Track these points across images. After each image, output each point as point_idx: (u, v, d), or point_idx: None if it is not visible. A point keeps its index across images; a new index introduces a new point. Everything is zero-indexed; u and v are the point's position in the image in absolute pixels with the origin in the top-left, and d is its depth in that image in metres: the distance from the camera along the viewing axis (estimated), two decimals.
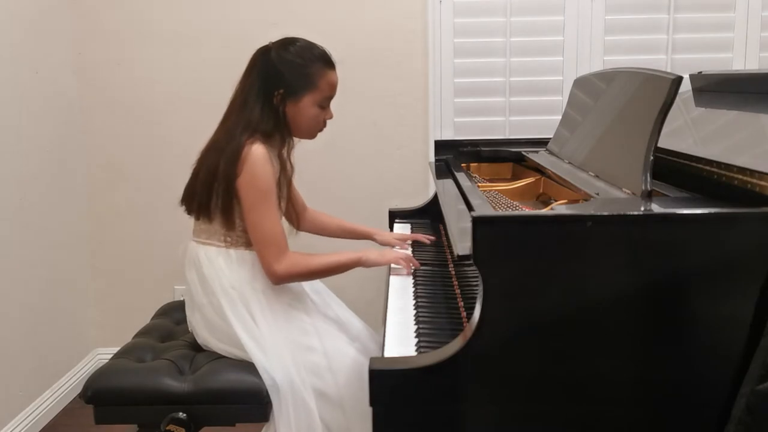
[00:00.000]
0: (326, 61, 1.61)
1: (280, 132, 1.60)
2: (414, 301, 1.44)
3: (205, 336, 1.62)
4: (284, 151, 1.64)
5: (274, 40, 1.63)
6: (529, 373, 1.07)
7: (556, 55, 2.53)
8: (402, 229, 2.09)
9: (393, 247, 1.86)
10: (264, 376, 1.50)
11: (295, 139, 1.68)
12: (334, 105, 1.67)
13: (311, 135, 1.68)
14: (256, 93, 1.58)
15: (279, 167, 1.60)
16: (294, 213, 1.80)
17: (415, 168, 2.62)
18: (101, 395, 1.51)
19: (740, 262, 1.03)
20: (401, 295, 1.48)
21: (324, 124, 1.67)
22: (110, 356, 1.66)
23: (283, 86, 1.57)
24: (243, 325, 1.55)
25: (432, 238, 1.85)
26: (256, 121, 1.56)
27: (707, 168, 1.23)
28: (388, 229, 2.15)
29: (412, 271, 1.64)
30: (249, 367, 1.52)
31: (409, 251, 1.80)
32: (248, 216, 1.54)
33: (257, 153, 1.52)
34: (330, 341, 1.57)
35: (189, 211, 1.62)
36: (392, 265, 1.67)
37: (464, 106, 2.57)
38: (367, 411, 1.47)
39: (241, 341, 1.53)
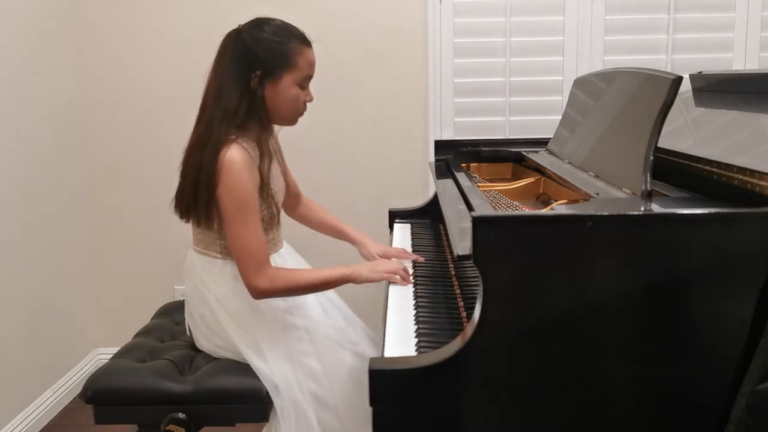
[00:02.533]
0: (302, 39, 1.55)
1: (257, 118, 1.53)
2: (414, 301, 1.44)
3: (203, 343, 1.63)
4: (263, 138, 1.55)
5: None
6: (529, 373, 1.07)
7: (556, 55, 2.53)
8: (402, 229, 2.08)
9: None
10: (264, 380, 1.50)
11: (277, 128, 1.64)
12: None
13: (292, 119, 1.60)
14: (231, 79, 1.50)
15: (258, 157, 1.52)
16: (287, 199, 1.77)
17: (415, 168, 2.62)
18: (101, 395, 1.51)
19: (740, 262, 1.03)
20: (401, 295, 1.48)
21: (304, 107, 1.59)
22: (110, 356, 1.66)
23: (260, 67, 1.50)
24: (239, 334, 1.54)
25: (421, 259, 1.72)
26: (234, 109, 1.49)
27: (707, 168, 1.23)
28: (388, 229, 2.14)
29: (411, 281, 1.56)
30: (248, 367, 1.52)
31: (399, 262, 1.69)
32: (228, 227, 1.49)
33: (234, 160, 1.45)
34: (326, 348, 1.56)
35: (180, 215, 1.58)
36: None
37: (464, 106, 2.57)
38: (363, 417, 1.48)
39: (239, 349, 1.53)
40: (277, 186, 1.63)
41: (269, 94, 1.53)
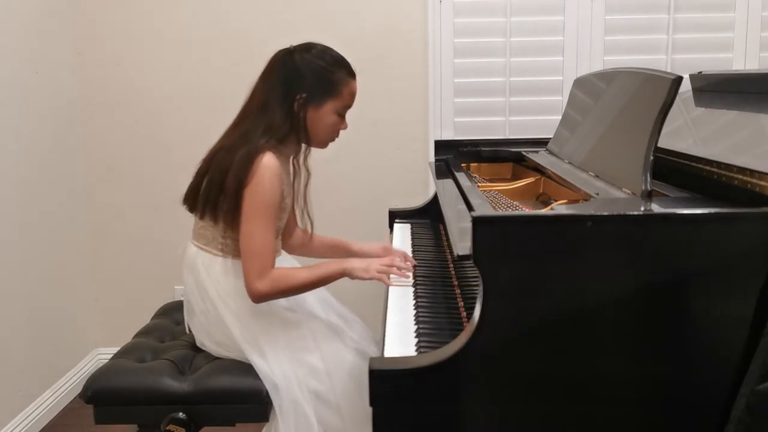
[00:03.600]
0: (349, 70, 1.60)
1: (296, 138, 1.58)
2: (414, 301, 1.44)
3: (203, 340, 1.63)
4: (300, 157, 1.61)
5: (290, 43, 1.60)
6: (529, 372, 1.07)
7: (556, 55, 2.53)
8: (402, 229, 2.09)
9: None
10: (263, 378, 1.50)
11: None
12: None
13: (324, 144, 1.64)
14: (277, 97, 1.54)
15: (291, 175, 1.58)
16: (286, 230, 1.76)
17: (415, 168, 2.62)
18: (101, 395, 1.51)
19: (740, 262, 1.03)
20: (401, 295, 1.48)
21: (338, 134, 1.64)
22: (110, 356, 1.66)
23: (306, 90, 1.54)
24: (240, 331, 1.54)
25: (414, 262, 1.68)
26: (278, 126, 1.53)
27: (707, 168, 1.23)
28: (388, 229, 2.14)
29: (409, 278, 1.55)
30: (249, 367, 1.52)
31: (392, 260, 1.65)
32: (244, 225, 1.50)
33: (269, 165, 1.48)
34: (327, 346, 1.56)
35: (192, 210, 1.60)
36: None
37: (464, 106, 2.57)
38: (364, 415, 1.48)
39: (240, 346, 1.53)
40: (289, 205, 1.65)
41: (310, 117, 1.57)
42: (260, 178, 1.48)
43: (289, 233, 1.82)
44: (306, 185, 1.63)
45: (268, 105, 1.55)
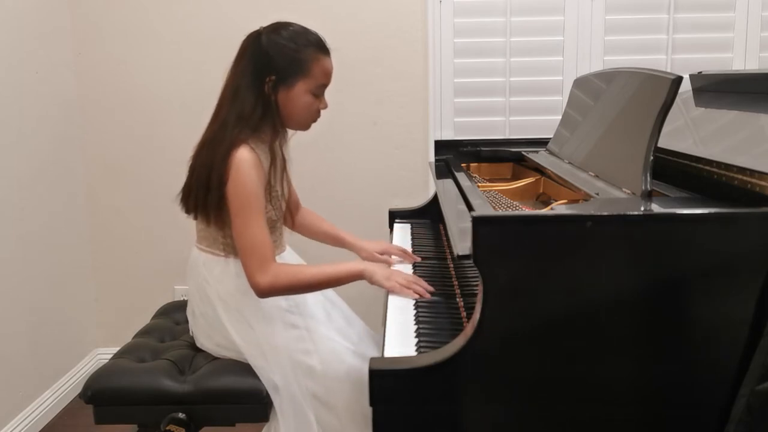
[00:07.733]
0: (320, 47, 1.54)
1: (271, 122, 1.54)
2: (414, 301, 1.44)
3: (203, 342, 1.63)
4: (276, 143, 1.57)
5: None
6: (529, 373, 1.07)
7: (556, 55, 2.53)
8: (402, 229, 2.08)
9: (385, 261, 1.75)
10: (263, 379, 1.50)
11: (290, 132, 1.64)
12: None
13: (305, 126, 1.60)
14: (247, 81, 1.51)
15: (269, 162, 1.54)
16: (288, 211, 1.77)
17: (415, 168, 2.62)
18: (101, 395, 1.51)
19: (740, 262, 1.03)
20: (401, 295, 1.48)
21: (318, 114, 1.60)
22: (110, 356, 1.66)
23: (275, 72, 1.50)
24: (240, 331, 1.54)
25: (417, 258, 1.70)
26: (249, 112, 1.50)
27: (707, 168, 1.23)
28: (388, 229, 2.14)
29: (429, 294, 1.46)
30: (248, 367, 1.52)
31: (409, 270, 1.64)
32: (234, 224, 1.48)
33: (243, 158, 1.46)
34: (327, 348, 1.55)
35: (187, 210, 1.59)
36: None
37: (464, 106, 2.57)
38: (362, 416, 1.48)
39: (239, 347, 1.53)
40: (280, 192, 1.63)
41: (282, 99, 1.53)
42: (236, 172, 1.46)
43: (292, 211, 1.82)
44: (283, 171, 1.60)
45: (240, 91, 1.51)
